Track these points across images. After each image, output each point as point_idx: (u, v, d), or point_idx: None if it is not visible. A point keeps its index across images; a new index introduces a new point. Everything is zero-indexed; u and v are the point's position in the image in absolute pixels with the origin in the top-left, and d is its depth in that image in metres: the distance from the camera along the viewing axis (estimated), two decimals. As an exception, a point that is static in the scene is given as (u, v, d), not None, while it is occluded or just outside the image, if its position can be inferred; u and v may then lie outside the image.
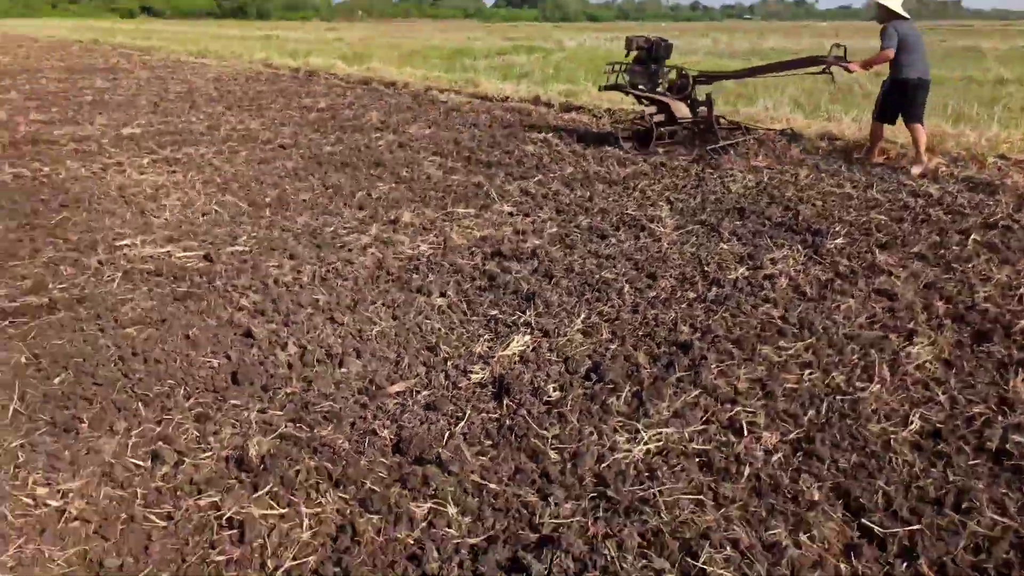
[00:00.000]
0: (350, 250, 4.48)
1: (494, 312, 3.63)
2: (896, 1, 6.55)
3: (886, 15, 6.58)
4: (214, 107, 10.54)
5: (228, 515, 2.13)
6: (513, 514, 2.21)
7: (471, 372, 3.04)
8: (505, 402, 2.82)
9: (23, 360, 2.98)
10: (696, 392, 2.89)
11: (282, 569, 1.95)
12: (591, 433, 2.61)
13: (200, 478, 2.31)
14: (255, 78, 15.08)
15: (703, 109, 7.59)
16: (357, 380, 2.97)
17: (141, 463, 2.38)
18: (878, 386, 2.90)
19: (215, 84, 13.72)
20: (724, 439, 2.59)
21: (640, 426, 2.63)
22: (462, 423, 2.69)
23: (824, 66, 7.12)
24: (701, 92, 7.63)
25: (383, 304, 3.67)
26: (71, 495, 2.19)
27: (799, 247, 4.55)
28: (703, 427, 2.66)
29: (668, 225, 5.02)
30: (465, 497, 2.28)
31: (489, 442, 2.60)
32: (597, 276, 4.04)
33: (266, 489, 2.25)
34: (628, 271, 4.15)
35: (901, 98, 6.54)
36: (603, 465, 2.43)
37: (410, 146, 7.75)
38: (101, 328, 3.31)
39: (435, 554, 2.02)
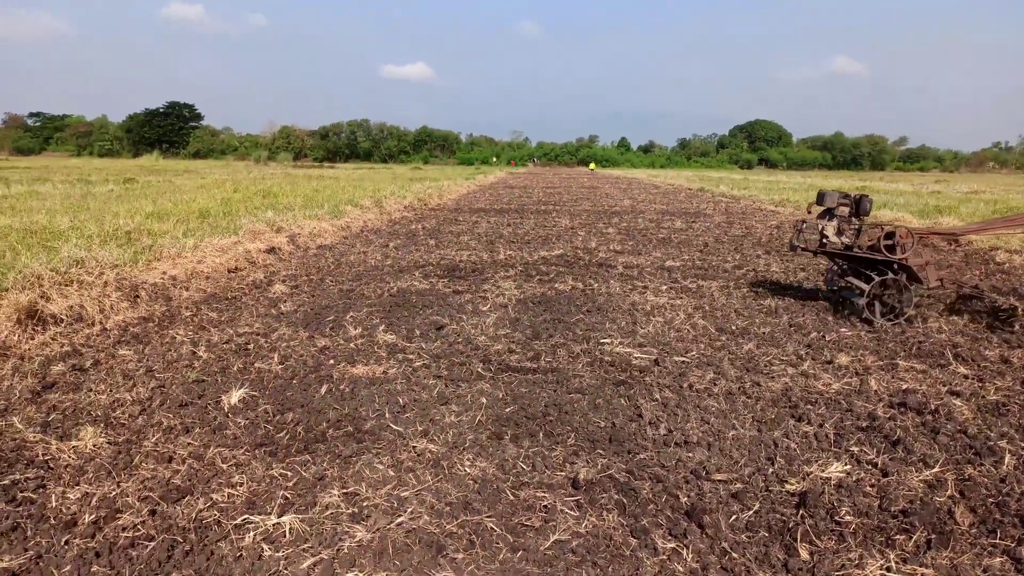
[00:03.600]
0: (771, 377, 5.12)
1: (856, 449, 3.90)
2: None
3: None
4: (755, 250, 11.92)
5: (546, 503, 3.23)
6: (736, 573, 2.75)
7: (787, 482, 3.50)
8: (801, 512, 3.24)
9: (499, 396, 4.63)
10: (999, 560, 2.82)
11: (556, 539, 2.96)
12: (858, 556, 2.88)
13: (548, 483, 3.46)
14: (813, 227, 16.07)
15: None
16: (695, 463, 3.72)
17: (525, 466, 3.65)
18: None
19: (773, 230, 15.21)
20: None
21: (895, 556, 2.79)
22: (749, 513, 3.23)
23: None
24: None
25: (754, 419, 4.29)
26: (451, 455, 3.59)
27: None
28: (971, 586, 2.66)
29: None
30: (708, 553, 2.90)
31: (764, 534, 3.09)
32: (991, 443, 3.87)
33: (574, 498, 3.27)
34: (1038, 447, 3.84)
35: None
36: (834, 576, 2.74)
37: (924, 303, 7.74)
38: (554, 389, 4.79)
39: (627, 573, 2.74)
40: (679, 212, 20.08)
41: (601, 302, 7.50)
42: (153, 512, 3.16)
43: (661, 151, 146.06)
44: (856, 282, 7.03)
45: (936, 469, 3.59)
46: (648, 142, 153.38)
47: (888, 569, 2.76)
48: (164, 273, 8.00)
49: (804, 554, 2.90)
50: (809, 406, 4.51)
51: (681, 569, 2.80)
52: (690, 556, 2.88)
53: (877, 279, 6.71)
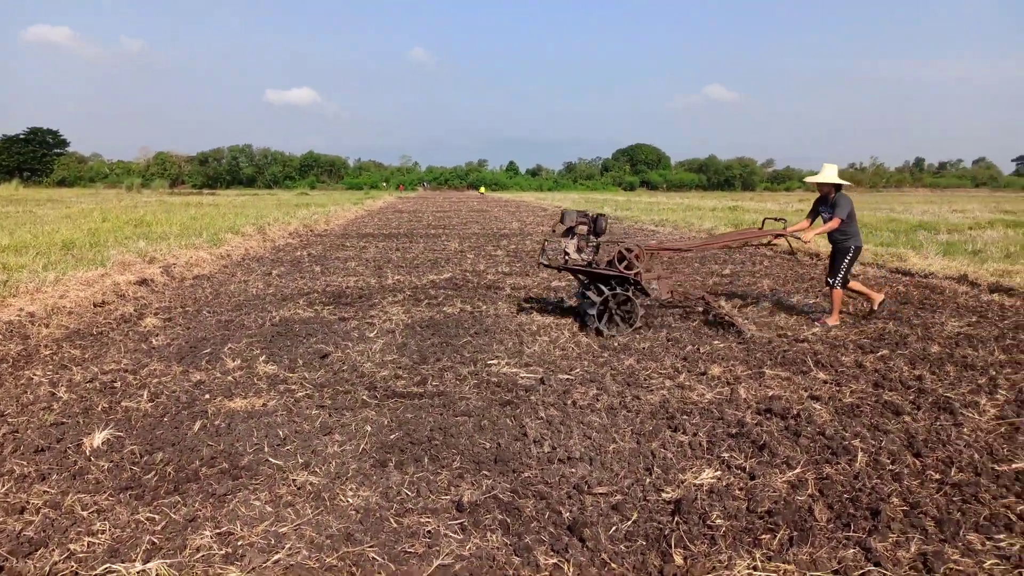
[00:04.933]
0: (650, 390, 5.31)
1: (727, 455, 4.09)
2: (834, 172, 7.60)
3: (833, 186, 7.62)
4: (636, 268, 12.33)
5: (430, 528, 3.21)
6: (609, 588, 2.82)
7: (663, 491, 3.63)
8: (676, 519, 3.36)
9: (384, 423, 4.57)
10: (852, 551, 3.03)
11: (440, 564, 2.94)
12: (728, 557, 3.02)
13: (432, 508, 3.44)
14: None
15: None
16: (577, 478, 3.80)
17: (410, 492, 3.61)
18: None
19: (652, 249, 15.79)
20: (836, 591, 2.75)
21: (761, 555, 2.95)
22: (628, 523, 3.33)
23: (772, 237, 7.83)
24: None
25: (633, 432, 4.43)
26: (333, 486, 3.52)
27: None
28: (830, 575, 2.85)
29: (988, 414, 4.72)
30: (588, 566, 2.96)
31: (642, 543, 3.19)
32: (846, 443, 4.17)
33: (458, 521, 3.27)
34: (888, 446, 4.15)
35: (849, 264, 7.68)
36: (707, 578, 2.86)
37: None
38: (441, 413, 4.77)
39: (533, 591, 2.77)
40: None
41: (489, 324, 7.55)
42: (0, 569, 2.91)
43: (548, 174, 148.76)
44: (591, 296, 7.26)
45: (798, 470, 3.82)
46: (536, 166, 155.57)
47: (755, 568, 2.91)
48: (21, 310, 7.44)
49: (678, 559, 3.01)
50: (685, 416, 4.70)
51: (562, 584, 2.85)
52: (571, 570, 2.94)
53: (608, 293, 7.10)
